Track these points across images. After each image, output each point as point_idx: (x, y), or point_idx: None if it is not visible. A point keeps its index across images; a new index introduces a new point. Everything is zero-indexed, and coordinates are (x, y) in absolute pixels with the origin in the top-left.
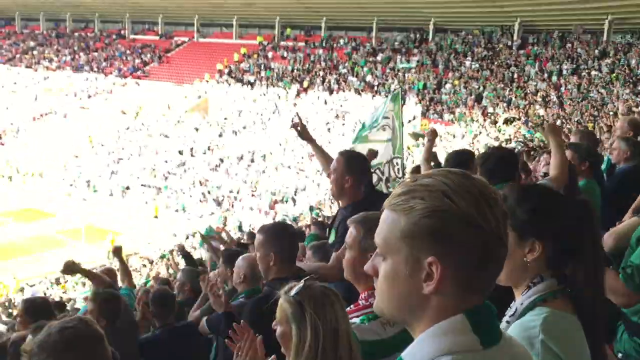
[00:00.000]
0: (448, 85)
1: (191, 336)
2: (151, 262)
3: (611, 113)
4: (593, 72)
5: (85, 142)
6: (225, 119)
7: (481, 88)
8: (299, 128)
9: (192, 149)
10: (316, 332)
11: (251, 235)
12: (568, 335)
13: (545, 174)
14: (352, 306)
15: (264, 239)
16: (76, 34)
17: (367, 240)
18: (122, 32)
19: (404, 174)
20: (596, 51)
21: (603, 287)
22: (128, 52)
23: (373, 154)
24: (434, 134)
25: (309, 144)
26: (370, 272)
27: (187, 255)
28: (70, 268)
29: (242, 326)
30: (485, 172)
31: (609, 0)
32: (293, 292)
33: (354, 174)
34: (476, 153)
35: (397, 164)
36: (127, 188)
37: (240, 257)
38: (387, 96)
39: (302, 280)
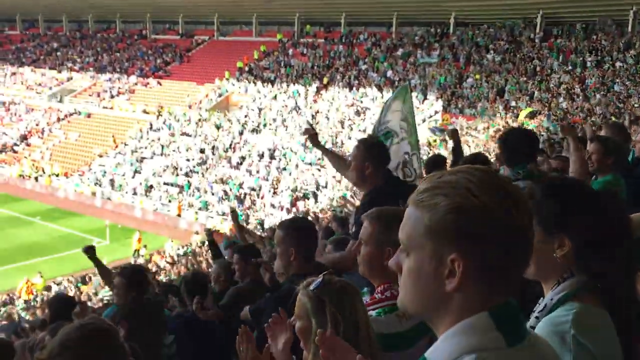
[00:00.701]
0: (470, 80)
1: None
2: (173, 262)
3: (636, 105)
4: (618, 64)
5: (108, 141)
6: (246, 116)
7: (503, 82)
8: (311, 134)
9: (213, 147)
10: (337, 326)
11: (273, 232)
12: (600, 331)
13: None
14: (367, 299)
15: (283, 235)
16: (98, 35)
17: (383, 235)
18: (144, 32)
19: (421, 169)
20: (621, 43)
21: (635, 283)
22: (149, 52)
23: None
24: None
25: (320, 150)
26: (394, 268)
27: (212, 242)
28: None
29: (282, 314)
30: (505, 151)
31: None
32: (312, 286)
33: (374, 160)
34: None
35: (416, 160)
36: (150, 187)
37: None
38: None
39: (321, 275)
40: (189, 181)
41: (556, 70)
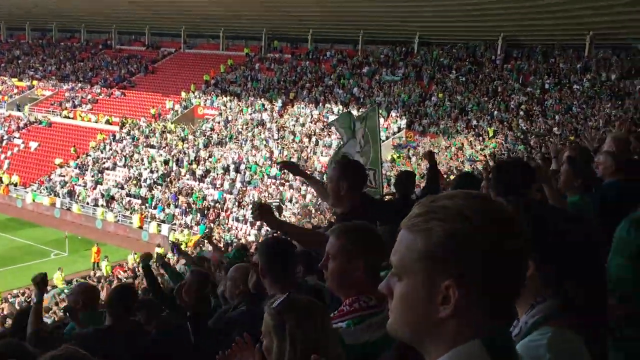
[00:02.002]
0: (433, 98)
1: (184, 336)
2: (135, 276)
3: (593, 127)
4: (575, 87)
5: (70, 151)
6: (212, 129)
7: (465, 101)
8: (286, 169)
9: (178, 159)
10: (294, 346)
11: (243, 247)
12: (573, 355)
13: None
14: (335, 312)
15: (258, 252)
16: (62, 43)
17: (350, 248)
18: (109, 42)
19: (381, 186)
20: (578, 66)
21: (605, 305)
22: (114, 62)
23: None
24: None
25: (304, 178)
26: (384, 291)
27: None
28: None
29: (247, 338)
30: (496, 181)
31: (590, 17)
32: (275, 304)
33: (349, 180)
34: (460, 166)
35: (369, 175)
36: (112, 198)
37: (233, 268)
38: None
39: (287, 293)
40: (152, 193)
41: (516, 92)
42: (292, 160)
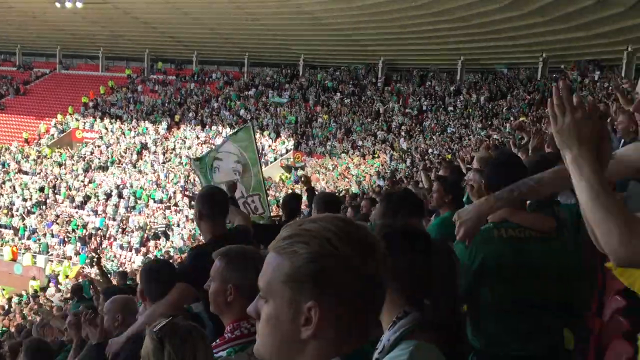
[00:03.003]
0: (319, 120)
1: None
2: (7, 312)
3: (468, 146)
4: (449, 108)
5: None
6: (92, 153)
7: (350, 122)
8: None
9: (54, 186)
10: None
11: (123, 275)
12: None
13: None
14: (217, 340)
15: (139, 275)
16: None
17: (226, 272)
18: None
19: (268, 209)
20: (451, 89)
21: (460, 318)
22: None
23: (233, 186)
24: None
25: None
26: (252, 314)
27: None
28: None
29: None
30: (390, 209)
31: (461, 43)
32: (156, 328)
33: (207, 210)
34: (348, 185)
35: (252, 201)
36: None
37: (109, 300)
38: (235, 131)
39: (168, 317)
40: (25, 223)
41: (396, 113)
42: (179, 182)
